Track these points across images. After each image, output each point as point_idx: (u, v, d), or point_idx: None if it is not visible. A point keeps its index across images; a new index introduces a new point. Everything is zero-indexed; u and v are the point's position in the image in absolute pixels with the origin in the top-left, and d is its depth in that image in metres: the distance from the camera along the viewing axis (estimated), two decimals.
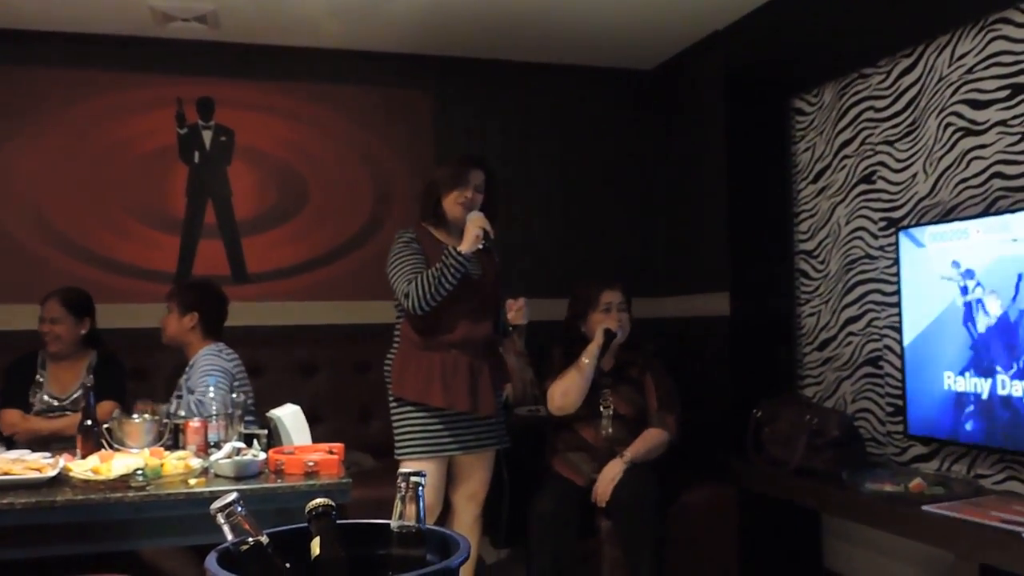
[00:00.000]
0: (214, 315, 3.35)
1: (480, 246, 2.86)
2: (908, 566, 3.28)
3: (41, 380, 3.42)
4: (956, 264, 2.85)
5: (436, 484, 2.95)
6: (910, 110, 3.25)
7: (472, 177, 2.99)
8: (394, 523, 1.15)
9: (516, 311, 3.00)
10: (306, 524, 1.20)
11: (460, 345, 2.93)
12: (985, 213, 2.90)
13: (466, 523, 3.09)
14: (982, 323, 2.76)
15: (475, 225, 2.85)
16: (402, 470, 1.17)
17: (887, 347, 3.36)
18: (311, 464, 2.43)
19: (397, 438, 2.99)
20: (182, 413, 2.94)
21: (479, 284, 2.99)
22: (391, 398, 3.01)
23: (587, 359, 3.25)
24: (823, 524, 3.75)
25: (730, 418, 3.77)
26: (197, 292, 3.37)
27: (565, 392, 3.26)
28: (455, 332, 2.93)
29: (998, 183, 2.89)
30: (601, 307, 3.36)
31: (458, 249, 2.82)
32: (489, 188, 3.05)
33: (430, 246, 2.98)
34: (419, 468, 2.82)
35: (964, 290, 2.83)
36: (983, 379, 2.76)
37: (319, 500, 1.20)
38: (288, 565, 1.15)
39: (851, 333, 3.55)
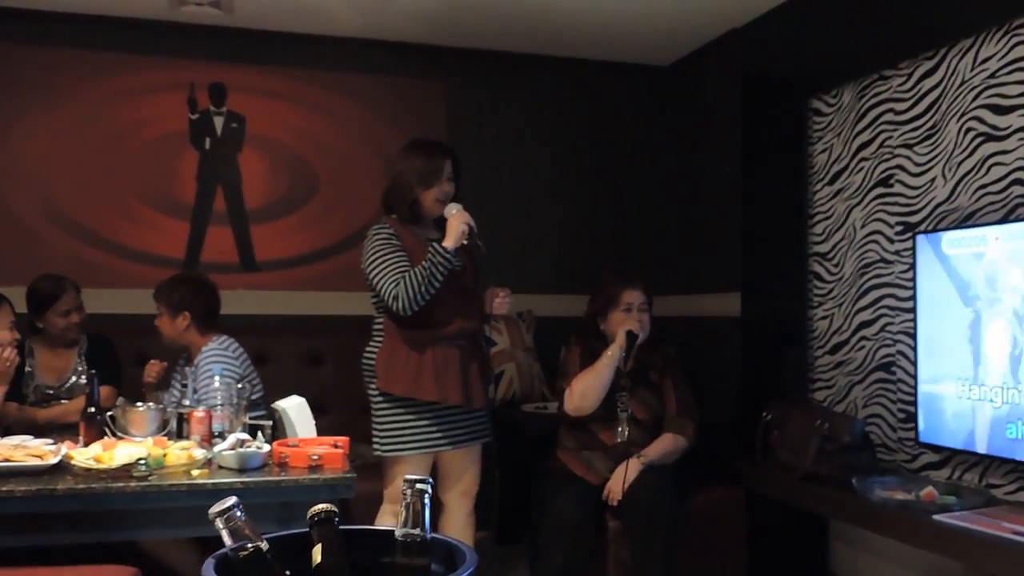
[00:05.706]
0: (205, 309, 3.25)
1: (464, 242, 2.81)
2: (914, 573, 3.24)
3: (30, 369, 3.35)
4: (973, 271, 2.80)
5: None
6: (930, 113, 3.20)
7: (446, 169, 2.94)
8: (398, 531, 1.12)
9: (501, 300, 2.96)
10: (307, 529, 1.17)
11: (449, 337, 2.88)
12: (1004, 220, 2.85)
13: (460, 520, 3.04)
14: (999, 331, 2.71)
15: (459, 221, 2.81)
16: (407, 476, 1.13)
17: (900, 352, 3.32)
18: (315, 458, 2.40)
19: (382, 435, 2.90)
20: (186, 402, 2.91)
21: (462, 275, 2.94)
22: (375, 394, 2.92)
23: (608, 361, 3.20)
24: (830, 528, 3.71)
25: (738, 420, 3.74)
26: (182, 289, 3.24)
27: (584, 393, 3.22)
28: (443, 325, 2.87)
29: (1018, 190, 2.84)
30: (622, 306, 3.30)
31: (443, 245, 2.77)
32: (456, 174, 2.99)
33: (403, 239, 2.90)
34: (406, 466, 2.82)
35: (981, 298, 2.78)
36: (998, 388, 2.71)
37: (321, 506, 1.16)
38: (288, 573, 1.11)
39: (864, 337, 3.51)
